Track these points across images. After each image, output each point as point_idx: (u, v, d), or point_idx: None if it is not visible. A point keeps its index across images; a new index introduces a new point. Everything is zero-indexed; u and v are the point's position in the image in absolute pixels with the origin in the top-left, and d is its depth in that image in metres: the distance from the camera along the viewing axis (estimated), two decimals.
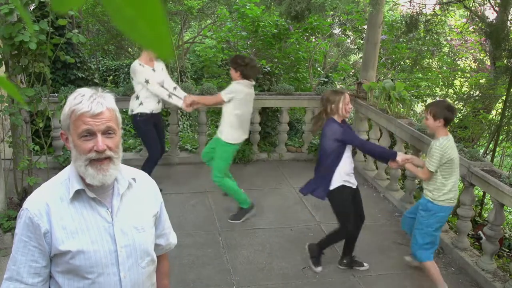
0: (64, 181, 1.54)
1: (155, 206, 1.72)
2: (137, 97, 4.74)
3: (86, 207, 1.53)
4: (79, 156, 1.49)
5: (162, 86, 4.77)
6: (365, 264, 3.99)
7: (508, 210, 6.97)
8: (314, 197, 3.83)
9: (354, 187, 3.76)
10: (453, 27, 10.52)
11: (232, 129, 4.47)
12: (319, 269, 3.88)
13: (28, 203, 1.52)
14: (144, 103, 4.73)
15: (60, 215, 1.49)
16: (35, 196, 1.54)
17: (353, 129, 4.01)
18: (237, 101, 4.41)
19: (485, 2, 7.42)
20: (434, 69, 9.23)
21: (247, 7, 7.85)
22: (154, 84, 4.68)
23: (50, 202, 1.50)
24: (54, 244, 1.48)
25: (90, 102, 1.48)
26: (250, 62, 4.45)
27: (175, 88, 4.90)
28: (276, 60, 8.64)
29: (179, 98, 4.80)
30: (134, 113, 4.78)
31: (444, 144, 3.43)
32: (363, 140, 3.92)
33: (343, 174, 3.65)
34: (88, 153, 1.48)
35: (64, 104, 1.54)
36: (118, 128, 1.54)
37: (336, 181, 3.65)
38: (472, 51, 9.99)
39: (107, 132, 1.49)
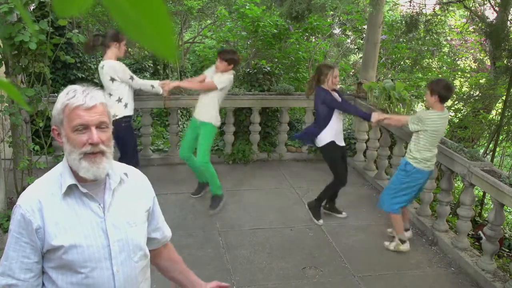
0: (56, 177, 1.56)
1: (147, 201, 1.73)
2: (120, 100, 4.37)
3: (78, 202, 1.55)
4: (73, 149, 1.51)
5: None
6: (344, 213, 4.83)
7: (508, 210, 6.97)
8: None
9: (341, 145, 4.57)
10: (453, 27, 10.52)
11: (218, 114, 4.73)
12: (320, 221, 4.64)
13: (21, 200, 1.54)
14: (129, 105, 4.45)
15: (52, 211, 1.51)
16: (27, 193, 1.56)
17: (344, 100, 4.60)
18: (226, 91, 4.75)
19: (485, 2, 7.42)
20: (434, 69, 9.22)
21: (247, 7, 7.85)
22: (137, 78, 4.53)
23: (42, 198, 1.52)
24: (46, 240, 1.50)
25: (83, 96, 1.51)
26: (237, 56, 4.80)
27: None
28: (276, 60, 8.64)
29: (158, 87, 4.71)
30: (119, 117, 4.33)
31: (431, 115, 3.91)
32: (343, 104, 4.50)
33: (332, 134, 4.44)
34: (82, 146, 1.50)
35: None
36: (110, 123, 1.59)
37: (326, 138, 4.45)
38: (472, 51, 9.98)
39: (100, 126, 1.53)
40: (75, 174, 1.54)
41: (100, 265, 1.54)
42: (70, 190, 1.54)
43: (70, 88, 1.55)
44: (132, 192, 1.67)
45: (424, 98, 4.43)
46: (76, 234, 1.52)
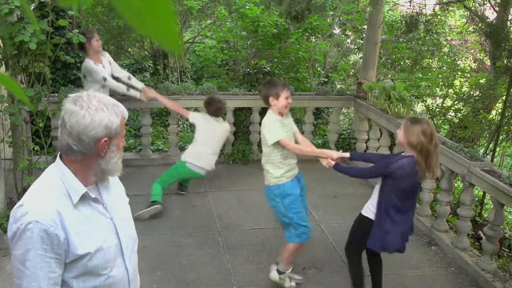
0: (60, 186, 1.53)
1: (125, 194, 1.81)
2: None
3: (87, 207, 1.56)
4: (118, 154, 1.59)
5: (116, 79, 4.96)
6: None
7: (508, 210, 6.97)
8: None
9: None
10: (453, 27, 10.52)
11: (191, 149, 4.87)
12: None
13: (36, 214, 1.46)
14: None
15: (71, 221, 1.50)
16: (41, 206, 1.49)
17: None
18: (198, 128, 4.87)
19: (485, 2, 7.42)
20: (434, 69, 9.23)
21: (247, 7, 7.86)
22: (111, 80, 4.83)
23: (59, 209, 1.49)
24: (71, 250, 1.49)
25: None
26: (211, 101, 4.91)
27: (129, 77, 5.10)
28: (276, 60, 8.64)
29: (137, 90, 5.05)
30: None
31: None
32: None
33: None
34: (121, 150, 1.63)
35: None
36: None
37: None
38: (472, 51, 9.99)
39: None
40: (80, 180, 1.54)
41: (116, 263, 1.61)
42: (81, 197, 1.55)
43: (110, 99, 1.57)
44: (116, 189, 1.73)
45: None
46: (97, 238, 1.55)
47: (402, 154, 3.17)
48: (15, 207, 1.52)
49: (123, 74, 5.10)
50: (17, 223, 1.46)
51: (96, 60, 4.80)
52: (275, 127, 3.36)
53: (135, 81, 5.12)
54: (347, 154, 3.50)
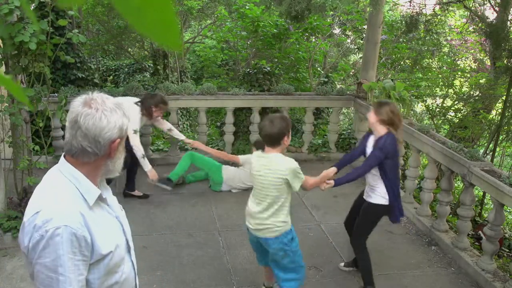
0: (73, 189, 1.52)
1: None
2: None
3: (98, 208, 1.58)
4: (122, 155, 1.61)
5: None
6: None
7: (508, 210, 6.97)
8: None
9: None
10: (453, 27, 10.52)
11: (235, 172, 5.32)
12: None
13: (63, 219, 1.45)
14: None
15: (92, 221, 1.51)
16: (65, 210, 1.48)
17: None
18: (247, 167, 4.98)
19: (485, 2, 7.42)
20: (434, 69, 9.23)
21: (247, 7, 7.86)
22: (137, 140, 4.62)
23: (82, 211, 1.50)
24: (96, 251, 1.50)
25: None
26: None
27: (169, 130, 5.18)
28: (276, 60, 8.65)
29: (146, 164, 4.66)
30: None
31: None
32: None
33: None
34: (124, 150, 1.65)
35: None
36: None
37: None
38: (472, 51, 9.99)
39: None
40: (91, 181, 1.54)
41: (126, 259, 1.66)
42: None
43: (116, 99, 1.58)
44: (107, 186, 1.75)
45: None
46: (113, 237, 1.58)
47: (372, 136, 3.50)
48: (29, 215, 1.47)
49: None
50: (39, 230, 1.42)
51: (151, 118, 4.79)
52: (299, 169, 3.02)
53: (145, 162, 4.71)
54: (334, 169, 3.59)
